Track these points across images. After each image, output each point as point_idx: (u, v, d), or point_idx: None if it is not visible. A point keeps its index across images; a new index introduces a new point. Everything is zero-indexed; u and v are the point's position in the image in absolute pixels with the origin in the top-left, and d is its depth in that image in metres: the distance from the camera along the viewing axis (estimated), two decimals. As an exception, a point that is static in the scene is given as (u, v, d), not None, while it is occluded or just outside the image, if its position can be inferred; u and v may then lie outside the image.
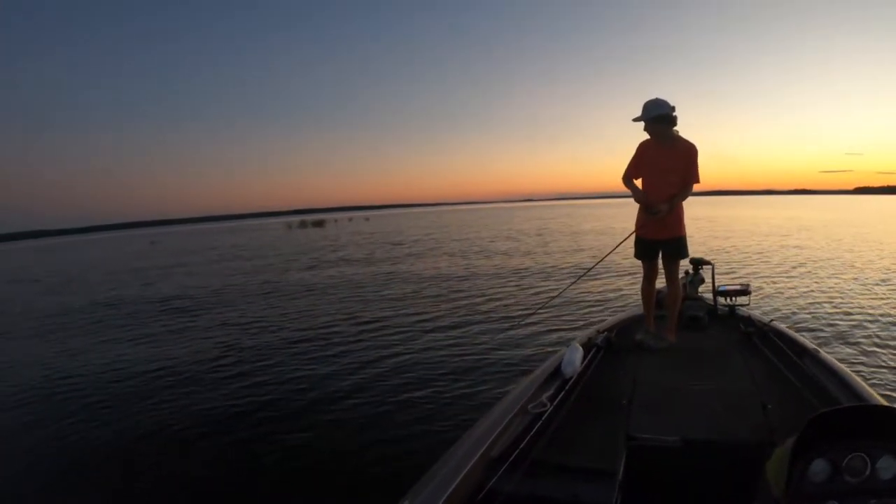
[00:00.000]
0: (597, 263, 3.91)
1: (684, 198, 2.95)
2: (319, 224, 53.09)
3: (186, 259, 20.31)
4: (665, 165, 2.91)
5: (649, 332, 3.03)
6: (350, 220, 69.12)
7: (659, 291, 3.28)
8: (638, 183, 3.06)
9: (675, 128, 2.89)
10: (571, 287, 5.70)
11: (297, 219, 78.76)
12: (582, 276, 4.11)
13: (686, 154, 2.89)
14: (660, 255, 3.09)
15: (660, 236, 3.02)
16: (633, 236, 3.17)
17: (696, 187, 2.94)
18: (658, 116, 2.82)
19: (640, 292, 3.23)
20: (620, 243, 3.38)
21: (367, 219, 69.43)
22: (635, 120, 2.90)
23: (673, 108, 2.82)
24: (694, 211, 38.49)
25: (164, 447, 3.43)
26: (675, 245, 3.02)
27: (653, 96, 2.87)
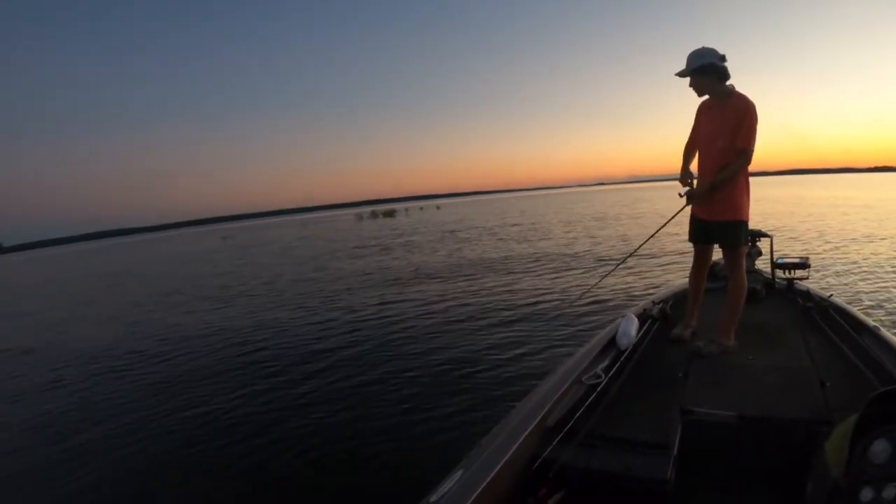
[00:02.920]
0: (646, 241, 3.51)
1: (735, 171, 2.38)
2: (390, 214, 54.08)
3: (254, 251, 21.72)
4: (712, 128, 2.43)
5: (688, 325, 2.68)
6: (421, 208, 70.04)
7: (716, 263, 2.99)
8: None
9: (730, 82, 2.41)
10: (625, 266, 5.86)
11: (368, 209, 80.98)
12: (632, 253, 3.82)
13: (735, 112, 2.34)
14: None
15: (711, 217, 2.54)
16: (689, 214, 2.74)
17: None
18: (700, 68, 2.36)
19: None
20: (674, 216, 2.89)
21: (438, 207, 69.96)
22: (679, 74, 2.47)
23: (722, 58, 2.37)
24: (758, 192, 33.63)
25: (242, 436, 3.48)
26: (724, 231, 2.50)
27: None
